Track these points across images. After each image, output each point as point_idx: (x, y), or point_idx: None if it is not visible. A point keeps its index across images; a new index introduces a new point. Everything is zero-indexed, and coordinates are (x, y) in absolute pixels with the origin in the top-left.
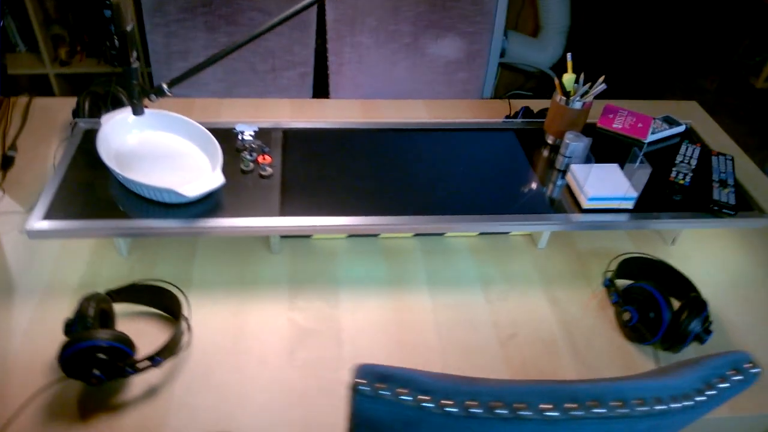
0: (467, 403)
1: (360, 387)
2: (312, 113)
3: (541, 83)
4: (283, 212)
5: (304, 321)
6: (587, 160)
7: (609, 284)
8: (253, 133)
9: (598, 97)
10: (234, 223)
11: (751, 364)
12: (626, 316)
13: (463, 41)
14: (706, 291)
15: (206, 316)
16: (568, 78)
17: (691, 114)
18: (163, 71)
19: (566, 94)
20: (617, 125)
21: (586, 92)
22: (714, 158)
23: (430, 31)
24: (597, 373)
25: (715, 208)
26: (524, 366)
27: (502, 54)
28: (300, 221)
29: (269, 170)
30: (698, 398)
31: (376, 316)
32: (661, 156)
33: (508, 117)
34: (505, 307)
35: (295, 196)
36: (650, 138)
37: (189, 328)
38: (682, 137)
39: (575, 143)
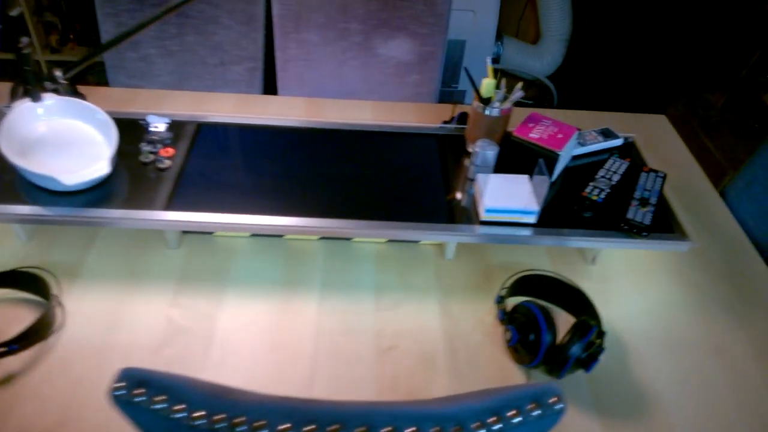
0: (214, 417)
1: (116, 392)
2: (255, 109)
3: (544, 92)
4: (171, 206)
5: (180, 318)
6: (499, 170)
7: (500, 300)
8: (166, 125)
9: (561, 107)
10: (119, 214)
11: (556, 399)
12: (507, 335)
13: (414, 43)
14: (616, 315)
15: (84, 306)
16: (488, 83)
17: (655, 129)
18: (114, 61)
19: (483, 100)
20: (534, 135)
21: (505, 99)
22: (643, 175)
23: (380, 30)
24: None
25: (625, 227)
26: (395, 380)
27: (497, 60)
28: (187, 216)
29: (167, 163)
30: (478, 431)
31: (257, 318)
32: (588, 170)
33: (445, 122)
34: (393, 317)
35: (189, 190)
36: (580, 150)
37: (59, 316)
38: (621, 152)
39: (485, 152)
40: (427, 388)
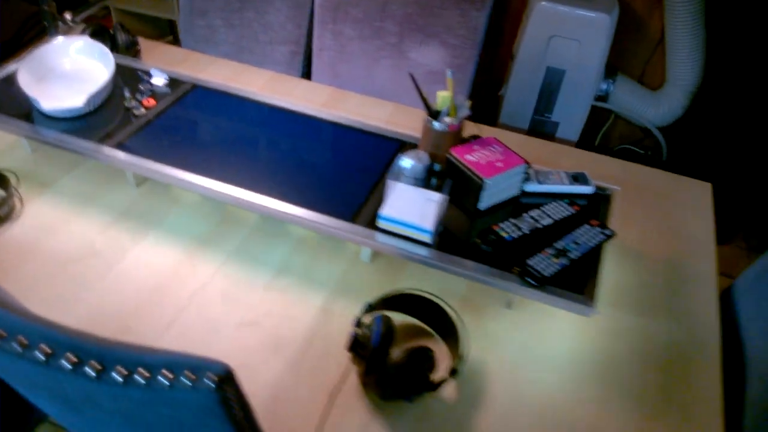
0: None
1: None
2: (282, 89)
3: (655, 142)
4: (122, 147)
5: (100, 245)
6: (426, 184)
7: (368, 308)
8: (165, 81)
9: (671, 164)
10: (82, 144)
11: (215, 377)
12: (349, 341)
13: (446, 53)
14: (494, 366)
15: (40, 211)
16: (443, 96)
17: (689, 195)
18: (186, 25)
19: (432, 113)
20: (471, 157)
21: (450, 114)
22: (586, 227)
23: (415, 35)
24: (296, 381)
25: (519, 272)
26: (233, 350)
27: (603, 98)
28: (131, 159)
29: (142, 111)
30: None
31: (159, 262)
32: (530, 209)
33: None
34: (276, 297)
35: (147, 138)
36: (536, 188)
37: (17, 208)
38: (590, 202)
39: (408, 163)
40: (255, 367)
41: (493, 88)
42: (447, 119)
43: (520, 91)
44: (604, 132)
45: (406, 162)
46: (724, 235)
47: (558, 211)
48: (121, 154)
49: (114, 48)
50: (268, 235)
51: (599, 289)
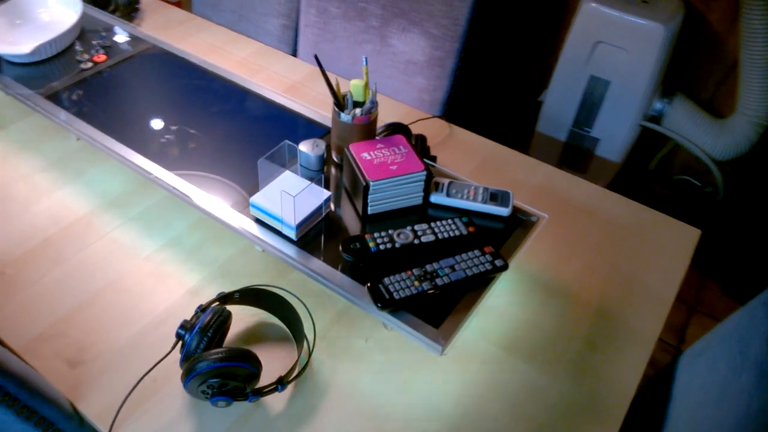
0: None
1: None
2: (263, 61)
3: (724, 183)
4: (55, 99)
5: (18, 190)
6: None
7: (221, 297)
8: (127, 39)
9: (727, 204)
10: (22, 90)
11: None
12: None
13: (426, 43)
14: (349, 379)
15: None
16: (356, 85)
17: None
18: None
19: (339, 105)
20: (366, 156)
21: (366, 108)
22: (475, 254)
23: (397, 20)
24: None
25: (369, 287)
26: (81, 314)
27: (656, 119)
28: (57, 113)
29: (88, 65)
30: None
31: (58, 212)
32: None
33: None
34: (151, 269)
35: (81, 92)
36: (443, 200)
37: None
38: (506, 225)
39: (302, 150)
40: (94, 334)
41: (536, 93)
42: (358, 111)
43: (559, 99)
44: (661, 158)
45: (301, 149)
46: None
47: (448, 229)
48: (50, 106)
49: (110, 3)
50: (172, 208)
51: (466, 324)
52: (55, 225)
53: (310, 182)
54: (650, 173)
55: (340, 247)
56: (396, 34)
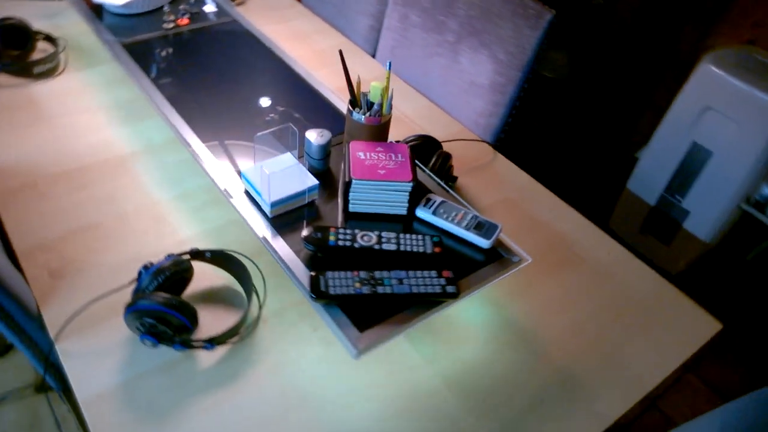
0: None
1: None
2: (332, 58)
3: None
4: (130, 50)
5: (84, 120)
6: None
7: (192, 252)
8: (215, 8)
9: None
10: (107, 37)
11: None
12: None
13: (491, 67)
14: (287, 360)
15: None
16: (374, 87)
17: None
18: None
19: (353, 102)
20: (361, 155)
21: (374, 110)
22: (431, 273)
23: (471, 39)
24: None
25: (312, 275)
26: (75, 238)
27: (762, 207)
28: (127, 63)
29: (170, 26)
30: None
31: (110, 147)
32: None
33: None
34: (155, 213)
35: (154, 49)
36: (429, 217)
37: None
38: (487, 257)
39: (308, 137)
40: (77, 252)
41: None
42: (366, 113)
43: (656, 159)
44: (762, 250)
45: (307, 136)
46: None
47: (414, 243)
48: (124, 55)
49: None
50: (195, 168)
51: (389, 338)
52: (95, 156)
53: (298, 165)
54: (747, 264)
55: (303, 233)
56: (466, 52)
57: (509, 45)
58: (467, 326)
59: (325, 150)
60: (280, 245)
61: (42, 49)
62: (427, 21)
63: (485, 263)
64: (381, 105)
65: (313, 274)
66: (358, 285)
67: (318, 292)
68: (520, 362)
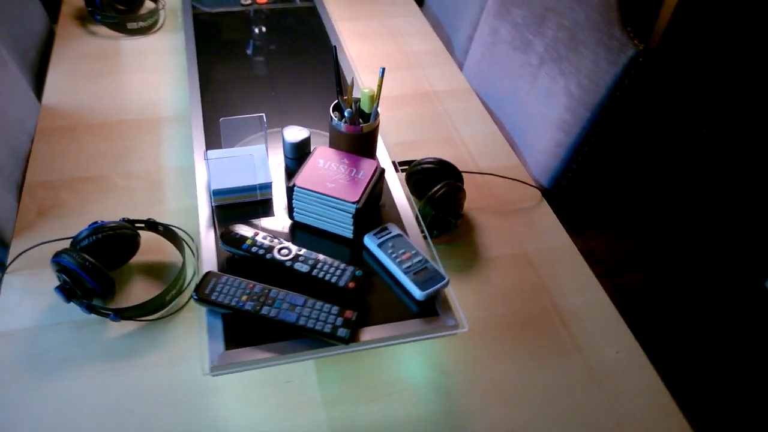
0: None
1: None
2: (416, 61)
3: None
4: (197, 18)
5: (146, 78)
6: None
7: (148, 222)
8: None
9: None
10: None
11: None
12: None
13: (561, 102)
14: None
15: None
16: (365, 94)
17: None
18: None
19: (337, 107)
20: (320, 162)
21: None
22: (332, 309)
23: (553, 66)
24: None
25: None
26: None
27: None
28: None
29: (247, 2)
30: None
31: (163, 103)
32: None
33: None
34: (155, 178)
35: (224, 20)
36: (370, 245)
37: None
38: (421, 309)
39: (284, 134)
40: (70, 197)
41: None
42: (347, 118)
43: None
44: None
45: (284, 132)
46: None
47: (330, 270)
48: (189, 25)
49: None
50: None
51: (252, 366)
52: (136, 114)
53: (254, 158)
54: None
55: (222, 230)
56: (544, 79)
57: (584, 78)
58: (394, 380)
59: (300, 149)
60: (209, 238)
61: (146, 7)
62: (516, 38)
63: (415, 316)
64: (356, 112)
65: (207, 272)
66: (244, 298)
67: (201, 294)
68: None
